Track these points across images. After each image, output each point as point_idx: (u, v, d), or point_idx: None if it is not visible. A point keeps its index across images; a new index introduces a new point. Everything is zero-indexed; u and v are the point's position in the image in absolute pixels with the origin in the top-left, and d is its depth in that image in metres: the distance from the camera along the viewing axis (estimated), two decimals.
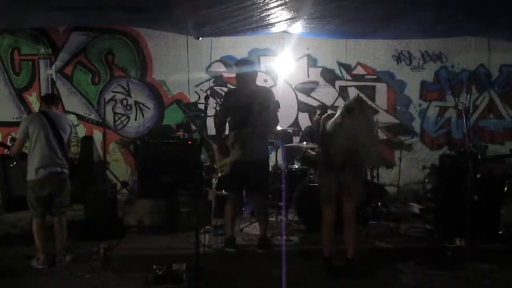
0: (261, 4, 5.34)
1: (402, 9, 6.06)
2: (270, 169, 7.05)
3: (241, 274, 4.78)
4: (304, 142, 6.89)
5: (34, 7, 5.97)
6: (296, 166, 7.02)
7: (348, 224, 4.65)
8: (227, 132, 5.55)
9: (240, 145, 5.20)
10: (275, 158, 6.77)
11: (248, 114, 5.17)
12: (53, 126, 5.10)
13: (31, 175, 5.02)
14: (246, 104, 5.20)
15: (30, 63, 8.69)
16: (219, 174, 5.58)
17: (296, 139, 8.05)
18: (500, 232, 5.61)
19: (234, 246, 5.43)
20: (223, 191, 5.98)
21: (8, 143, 5.97)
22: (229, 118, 5.49)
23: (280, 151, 6.99)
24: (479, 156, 6.03)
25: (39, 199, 5.03)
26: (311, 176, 6.34)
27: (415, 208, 6.87)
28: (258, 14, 5.82)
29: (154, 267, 4.49)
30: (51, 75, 8.68)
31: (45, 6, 5.89)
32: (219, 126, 5.60)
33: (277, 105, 5.38)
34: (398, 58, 8.94)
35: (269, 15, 5.94)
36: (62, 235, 5.12)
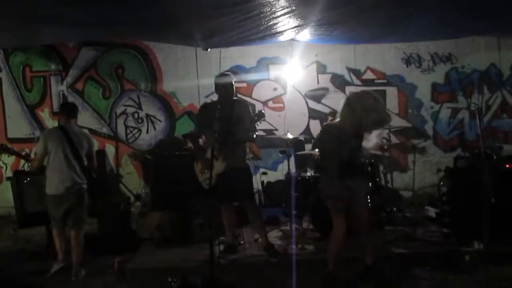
0: (268, 13, 5.34)
1: (409, 12, 6.03)
2: (283, 177, 7.04)
3: (255, 285, 4.76)
4: (317, 150, 6.85)
5: (45, 24, 6.03)
6: (309, 174, 6.98)
7: (366, 231, 4.60)
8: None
9: (224, 156, 5.19)
10: (288, 166, 6.73)
11: (230, 125, 5.22)
12: (70, 142, 5.14)
13: (49, 190, 5.10)
14: (226, 116, 5.26)
15: (42, 79, 8.78)
16: (206, 187, 5.34)
17: (308, 147, 8.01)
18: None
19: (233, 252, 5.55)
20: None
21: None
22: (205, 130, 5.49)
23: (292, 159, 6.95)
24: (494, 157, 5.95)
25: (57, 213, 5.12)
26: None
27: (431, 212, 6.78)
28: (266, 23, 5.81)
29: (169, 279, 4.50)
30: (63, 90, 8.75)
31: (56, 23, 5.94)
32: (196, 138, 5.68)
33: (261, 115, 5.39)
34: (408, 61, 8.88)
35: (276, 23, 5.93)
36: (78, 249, 5.17)
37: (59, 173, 5.06)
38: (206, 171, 5.21)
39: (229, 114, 5.31)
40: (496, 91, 8.95)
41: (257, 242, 5.93)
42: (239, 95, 8.50)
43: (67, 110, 5.51)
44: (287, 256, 5.41)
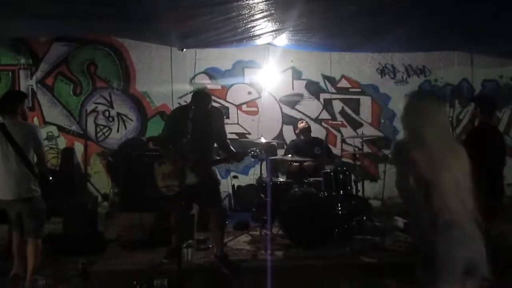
0: (246, 15, 5.30)
1: (387, 22, 6.08)
2: (255, 182, 6.98)
3: None
4: (289, 155, 6.84)
5: (16, 17, 5.83)
6: (281, 179, 6.94)
7: None
8: None
9: (198, 169, 4.87)
10: (260, 171, 6.68)
11: (209, 138, 5.02)
12: (10, 140, 4.47)
13: None
14: (203, 127, 4.92)
15: (10, 73, 8.52)
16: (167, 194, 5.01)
17: (280, 152, 7.99)
18: None
19: (171, 257, 5.18)
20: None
21: None
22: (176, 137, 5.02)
23: (264, 163, 6.90)
24: None
25: (11, 217, 4.64)
26: (296, 190, 6.27)
27: (400, 222, 6.85)
28: (244, 25, 5.78)
29: (135, 282, 4.40)
30: (32, 85, 8.51)
31: (27, 15, 5.75)
32: (165, 143, 5.30)
33: (242, 156, 5.31)
34: (382, 72, 8.96)
35: (254, 26, 5.90)
36: (32, 258, 4.59)
37: (2, 178, 4.48)
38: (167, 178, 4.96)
39: (206, 127, 4.98)
40: (467, 106, 9.09)
41: (226, 247, 5.85)
42: (213, 97, 8.44)
43: (3, 105, 4.69)
44: (252, 262, 5.34)
